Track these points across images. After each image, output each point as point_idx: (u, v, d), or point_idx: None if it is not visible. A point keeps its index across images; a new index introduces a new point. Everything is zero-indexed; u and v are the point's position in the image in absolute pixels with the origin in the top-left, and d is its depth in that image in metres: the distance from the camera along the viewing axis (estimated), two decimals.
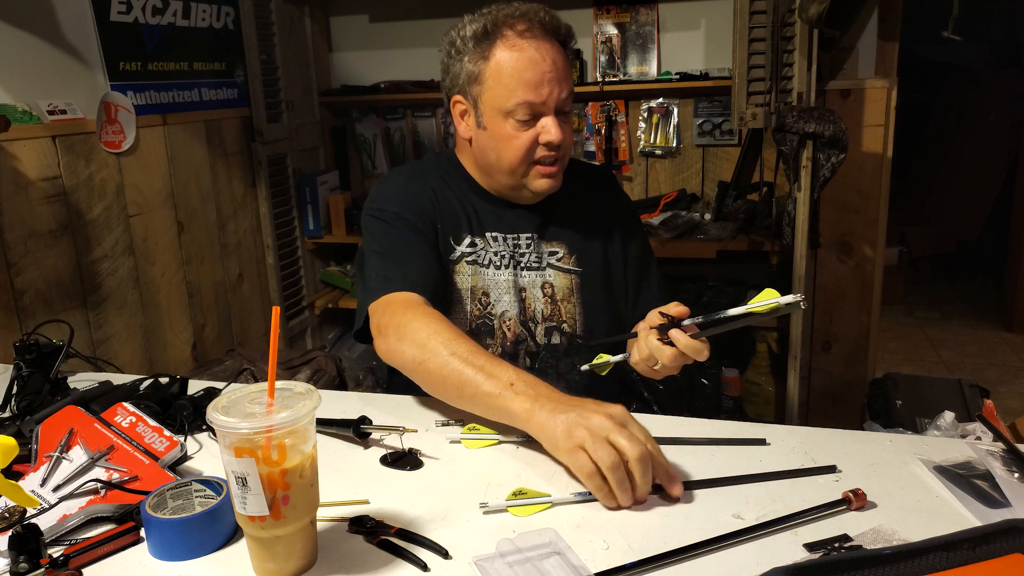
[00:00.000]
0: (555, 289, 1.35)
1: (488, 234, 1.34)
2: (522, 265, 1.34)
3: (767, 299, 0.98)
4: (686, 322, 1.05)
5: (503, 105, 1.23)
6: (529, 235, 1.35)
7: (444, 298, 1.31)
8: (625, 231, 1.42)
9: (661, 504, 0.90)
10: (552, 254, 1.36)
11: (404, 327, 1.13)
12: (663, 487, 0.90)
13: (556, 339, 1.35)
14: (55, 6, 1.96)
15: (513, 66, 1.21)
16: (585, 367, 1.19)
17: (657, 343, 1.05)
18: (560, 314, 1.35)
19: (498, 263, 1.33)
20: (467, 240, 1.33)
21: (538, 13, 1.24)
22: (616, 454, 0.87)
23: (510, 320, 1.33)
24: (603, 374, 1.19)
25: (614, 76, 2.74)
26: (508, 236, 1.34)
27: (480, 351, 1.06)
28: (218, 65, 2.56)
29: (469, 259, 1.32)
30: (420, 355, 1.09)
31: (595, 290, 1.37)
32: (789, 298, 0.96)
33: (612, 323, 1.40)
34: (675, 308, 1.07)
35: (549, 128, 1.23)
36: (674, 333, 1.03)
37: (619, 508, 0.88)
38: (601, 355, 1.18)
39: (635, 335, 1.12)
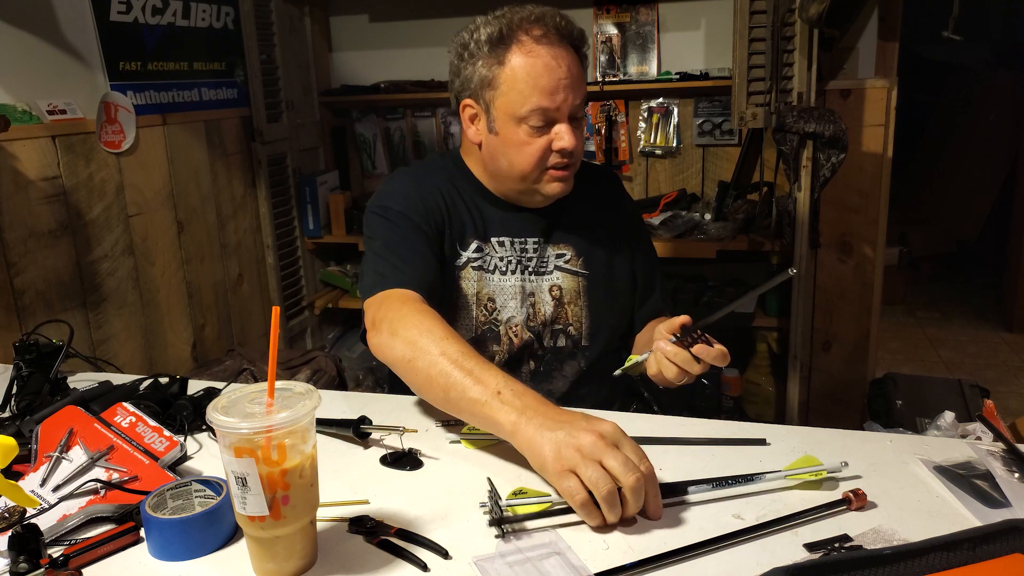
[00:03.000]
0: (563, 292, 1.34)
1: (494, 239, 1.33)
2: (530, 269, 1.33)
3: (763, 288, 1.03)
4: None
5: (517, 111, 1.21)
6: (536, 239, 1.34)
7: (449, 304, 1.30)
8: (631, 237, 1.42)
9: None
10: (560, 256, 1.35)
11: (397, 322, 1.10)
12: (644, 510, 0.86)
13: (562, 342, 1.35)
14: (55, 6, 1.96)
15: (529, 72, 1.19)
16: (618, 372, 1.18)
17: (687, 355, 1.04)
18: (566, 317, 1.34)
19: (504, 268, 1.32)
20: (473, 245, 1.31)
21: (554, 18, 1.22)
22: (611, 480, 0.81)
23: (516, 326, 1.32)
24: (636, 375, 1.18)
25: (614, 76, 2.74)
26: (515, 240, 1.33)
27: (471, 354, 1.02)
28: (218, 65, 2.55)
29: (475, 264, 1.31)
30: (410, 353, 1.06)
31: (601, 292, 1.36)
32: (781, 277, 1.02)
33: (616, 326, 1.40)
34: (682, 319, 1.07)
35: (563, 135, 1.22)
36: (700, 348, 1.03)
37: (604, 526, 0.84)
38: (632, 356, 1.18)
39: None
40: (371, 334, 1.15)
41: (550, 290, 1.34)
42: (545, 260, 1.34)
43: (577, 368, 1.36)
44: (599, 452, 0.84)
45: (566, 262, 1.35)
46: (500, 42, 1.21)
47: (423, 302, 1.16)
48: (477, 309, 1.31)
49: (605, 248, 1.38)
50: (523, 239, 1.33)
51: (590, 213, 1.39)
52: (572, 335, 1.35)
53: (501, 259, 1.32)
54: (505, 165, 1.27)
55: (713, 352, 1.03)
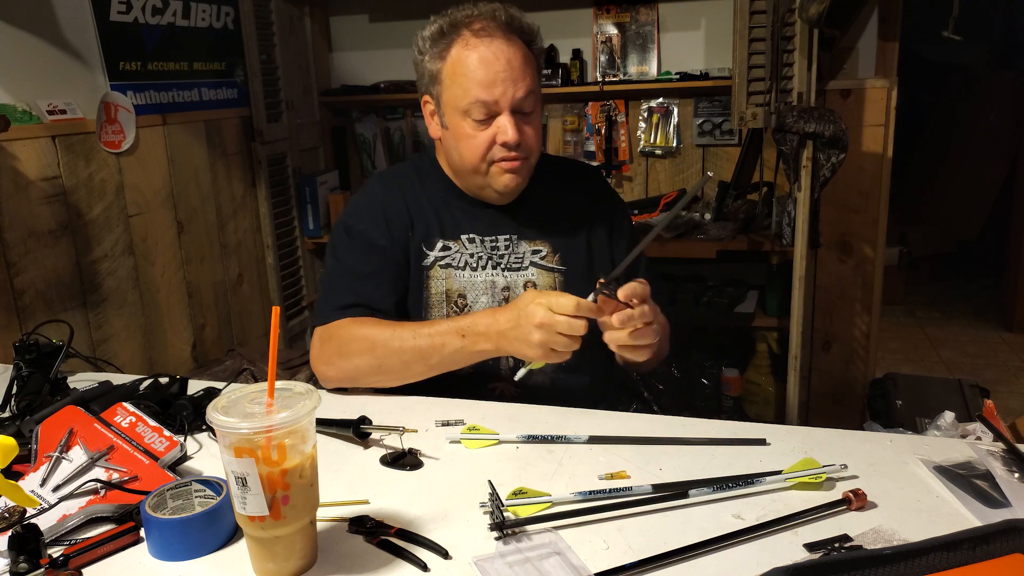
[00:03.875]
0: (538, 288, 1.34)
1: (464, 236, 1.34)
2: (502, 266, 1.34)
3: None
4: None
5: (459, 104, 1.24)
6: (507, 236, 1.34)
7: (419, 304, 1.32)
8: (612, 230, 1.41)
9: (661, 504, 0.89)
10: (535, 252, 1.35)
11: (343, 346, 1.23)
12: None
13: None
14: (55, 6, 1.96)
15: (466, 65, 1.22)
16: (520, 374, 1.18)
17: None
18: None
19: (474, 265, 1.33)
20: (439, 244, 1.33)
21: (496, 12, 1.24)
22: (567, 338, 1.07)
23: None
24: (539, 367, 1.18)
25: (614, 76, 2.73)
26: (485, 238, 1.34)
27: (418, 325, 1.21)
28: (218, 65, 2.55)
29: (442, 263, 1.33)
30: (374, 360, 1.20)
31: (580, 289, 1.36)
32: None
33: (597, 322, 1.39)
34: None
35: (505, 128, 1.23)
36: (625, 291, 1.07)
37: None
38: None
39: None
40: (324, 369, 1.25)
41: (524, 286, 1.34)
42: (520, 256, 1.35)
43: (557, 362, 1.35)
44: (549, 325, 1.08)
45: (542, 258, 1.35)
46: (442, 37, 1.25)
47: (354, 318, 1.25)
48: (447, 306, 1.32)
49: (584, 244, 1.38)
50: (493, 236, 1.34)
51: (567, 209, 1.39)
52: None
53: (472, 255, 1.33)
54: (457, 159, 1.29)
55: (638, 288, 1.09)
